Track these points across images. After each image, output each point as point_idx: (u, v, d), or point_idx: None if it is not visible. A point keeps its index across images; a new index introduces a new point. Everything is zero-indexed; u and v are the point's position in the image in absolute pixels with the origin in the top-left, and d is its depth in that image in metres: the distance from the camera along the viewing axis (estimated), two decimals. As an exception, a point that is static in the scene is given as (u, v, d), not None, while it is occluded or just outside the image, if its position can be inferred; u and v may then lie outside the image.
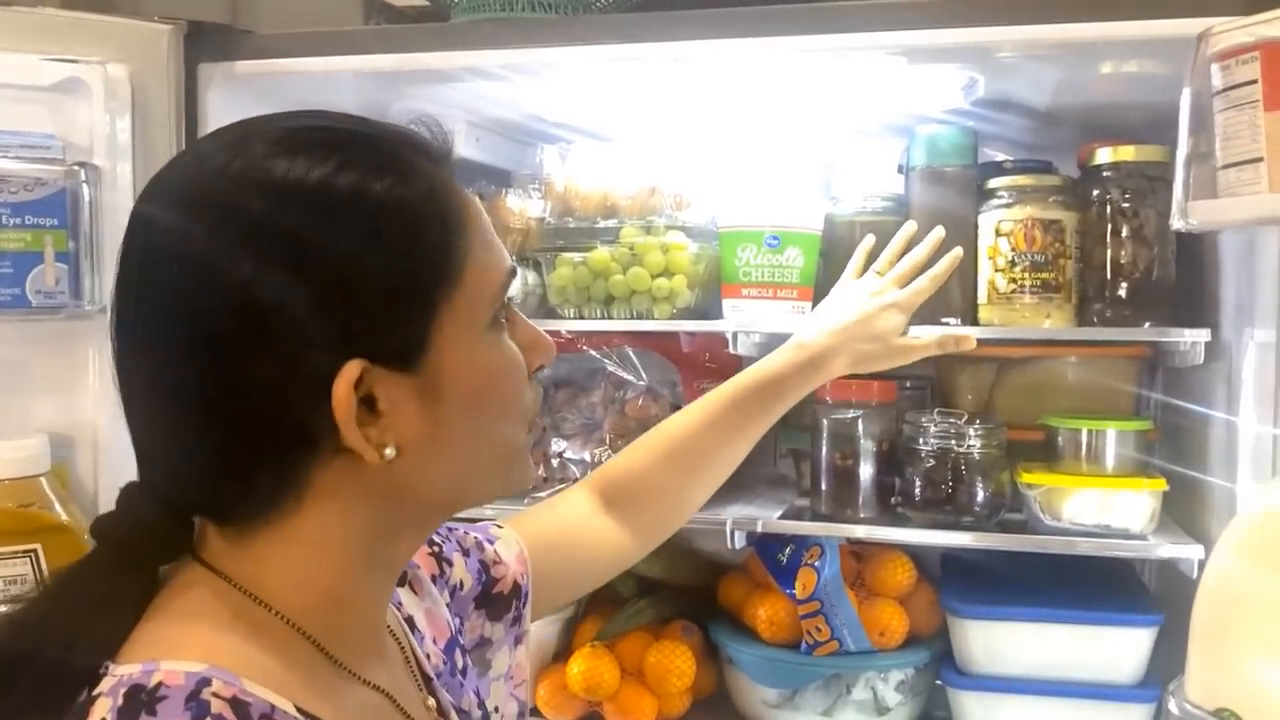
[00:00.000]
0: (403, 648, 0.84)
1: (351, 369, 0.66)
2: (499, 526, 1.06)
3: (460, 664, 0.91)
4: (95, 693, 0.62)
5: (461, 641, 0.93)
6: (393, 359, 0.68)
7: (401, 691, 0.78)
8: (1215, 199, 0.89)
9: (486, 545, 1.02)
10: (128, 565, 0.69)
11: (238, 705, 0.61)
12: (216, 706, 0.60)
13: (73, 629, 0.66)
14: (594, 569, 1.16)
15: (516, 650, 1.02)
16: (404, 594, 0.89)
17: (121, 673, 0.62)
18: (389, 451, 0.69)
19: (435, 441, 0.71)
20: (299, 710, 0.65)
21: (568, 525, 1.13)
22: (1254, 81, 0.85)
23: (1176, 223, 0.93)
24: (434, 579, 0.94)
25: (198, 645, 0.65)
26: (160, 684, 0.61)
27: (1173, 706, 0.86)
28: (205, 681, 0.61)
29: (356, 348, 0.66)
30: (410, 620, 0.87)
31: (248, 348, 0.66)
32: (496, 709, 0.97)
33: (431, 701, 0.82)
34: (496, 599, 1.00)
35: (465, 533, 1.01)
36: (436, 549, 0.96)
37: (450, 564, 0.97)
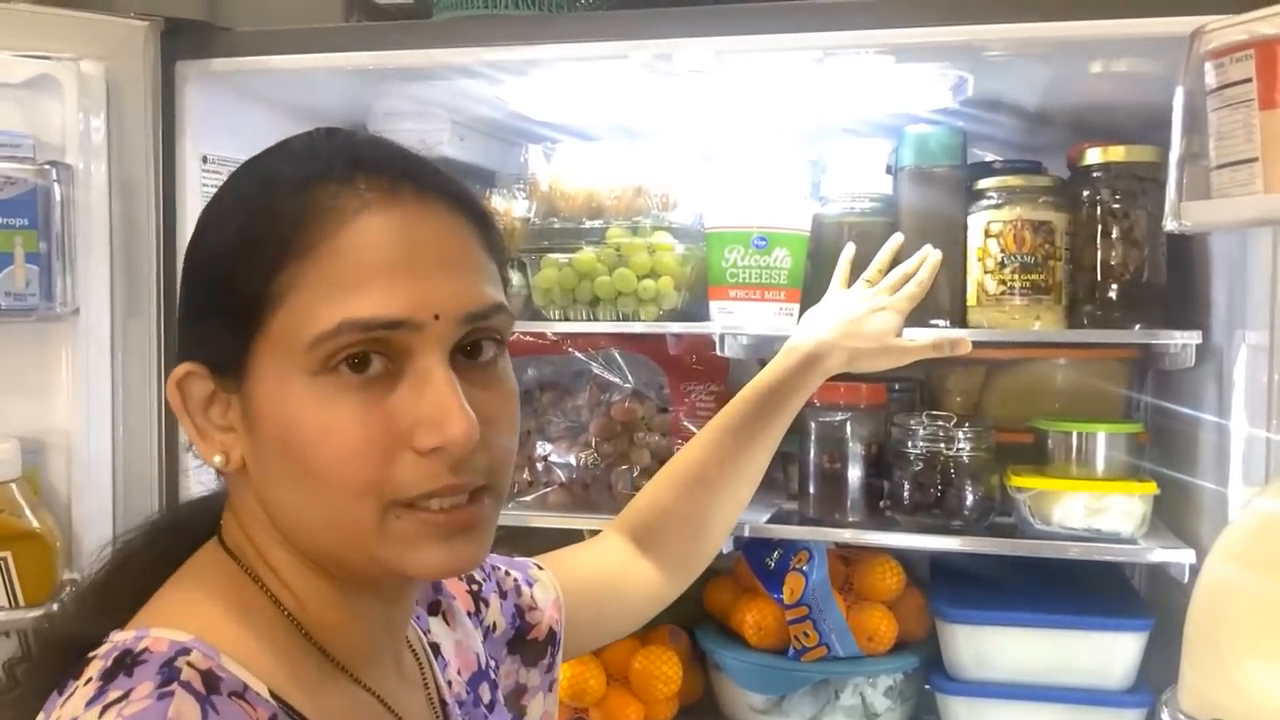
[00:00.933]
0: (422, 669, 0.84)
1: (181, 369, 0.71)
2: (539, 568, 1.06)
3: (488, 699, 0.91)
4: (92, 655, 0.65)
5: (493, 678, 0.93)
6: (219, 371, 0.71)
7: (404, 704, 0.78)
8: (1209, 200, 0.87)
9: (524, 588, 1.02)
10: (161, 548, 0.76)
11: (209, 678, 0.63)
12: (186, 674, 0.62)
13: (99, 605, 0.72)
14: (631, 614, 1.17)
15: (549, 696, 1.03)
16: (435, 622, 0.90)
17: (118, 638, 0.66)
18: (217, 459, 0.71)
19: (262, 470, 0.70)
20: (273, 695, 0.66)
21: (606, 571, 1.14)
22: (1248, 80, 0.83)
23: (1169, 224, 0.91)
24: (469, 614, 0.94)
25: (190, 618, 0.67)
26: (146, 649, 0.64)
27: (1166, 717, 0.84)
28: (185, 651, 0.64)
29: (194, 349, 0.72)
30: (436, 647, 0.88)
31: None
32: None
33: None
34: (531, 645, 1.01)
35: (506, 572, 1.01)
36: (476, 587, 0.97)
37: (487, 604, 0.97)
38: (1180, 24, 1.03)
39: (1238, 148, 0.84)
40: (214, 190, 0.75)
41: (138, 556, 0.76)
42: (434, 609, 0.91)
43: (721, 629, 1.61)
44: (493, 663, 0.95)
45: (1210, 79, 0.88)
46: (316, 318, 0.66)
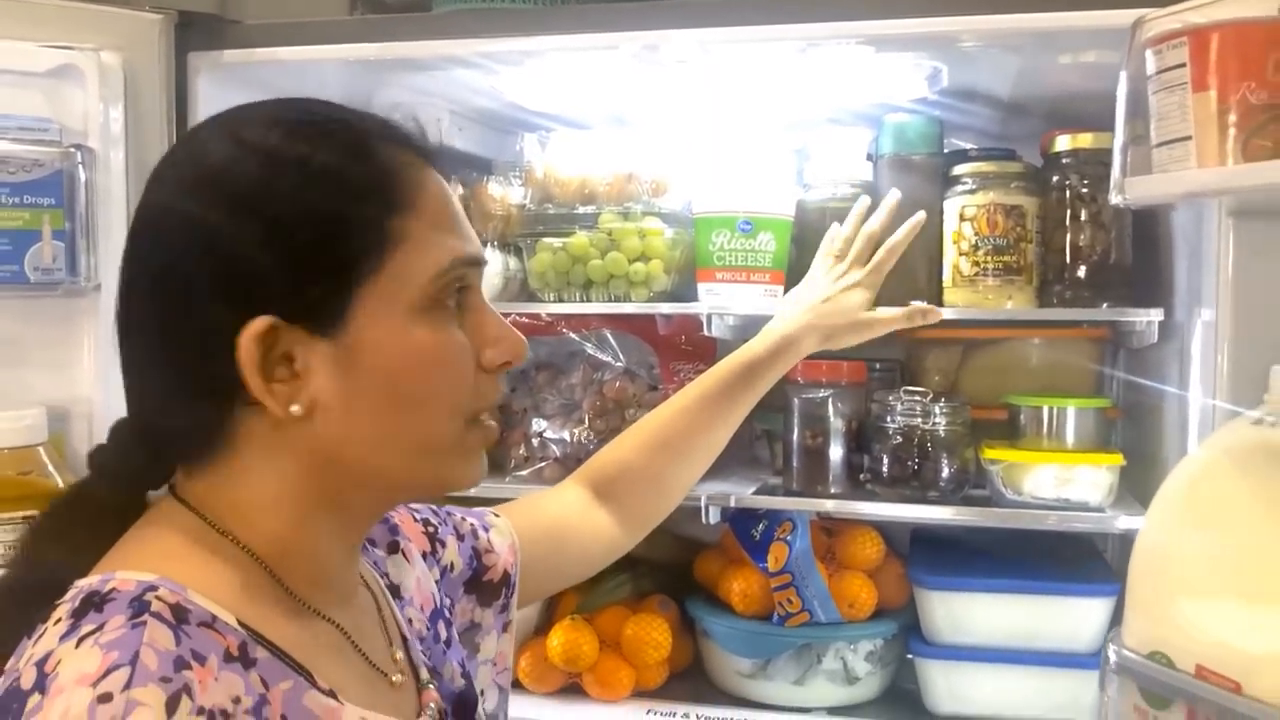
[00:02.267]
0: (378, 605, 0.88)
1: (259, 323, 0.71)
2: (495, 515, 1.11)
3: (445, 635, 0.95)
4: (59, 601, 0.68)
5: (448, 616, 0.98)
6: (309, 321, 0.72)
7: (363, 635, 0.83)
8: (1150, 175, 0.94)
9: (481, 533, 1.07)
10: (111, 492, 0.77)
11: (178, 610, 0.67)
12: (156, 607, 0.66)
13: (59, 553, 0.73)
14: (585, 559, 1.21)
15: (503, 637, 1.07)
16: (391, 561, 0.94)
17: (83, 584, 0.69)
18: (295, 409, 0.73)
19: (350, 412, 0.74)
20: (240, 623, 0.70)
21: (560, 518, 1.19)
22: (1183, 65, 0.90)
23: (1114, 198, 0.98)
24: (425, 555, 0.99)
25: (153, 560, 0.71)
26: (113, 589, 0.67)
27: (1111, 653, 0.91)
28: (152, 588, 0.67)
29: (271, 304, 0.71)
30: (395, 587, 0.93)
31: (179, 289, 0.73)
32: (482, 692, 1.01)
33: (400, 655, 0.87)
34: (486, 586, 1.05)
35: (462, 518, 1.07)
36: (432, 529, 1.02)
37: (444, 545, 1.02)
38: (1133, 16, 1.10)
39: (1174, 127, 0.91)
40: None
41: (95, 503, 0.78)
42: (392, 549, 0.95)
43: (709, 598, 1.67)
44: (448, 600, 0.99)
45: (1150, 65, 0.94)
46: (435, 257, 0.75)
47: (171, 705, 0.61)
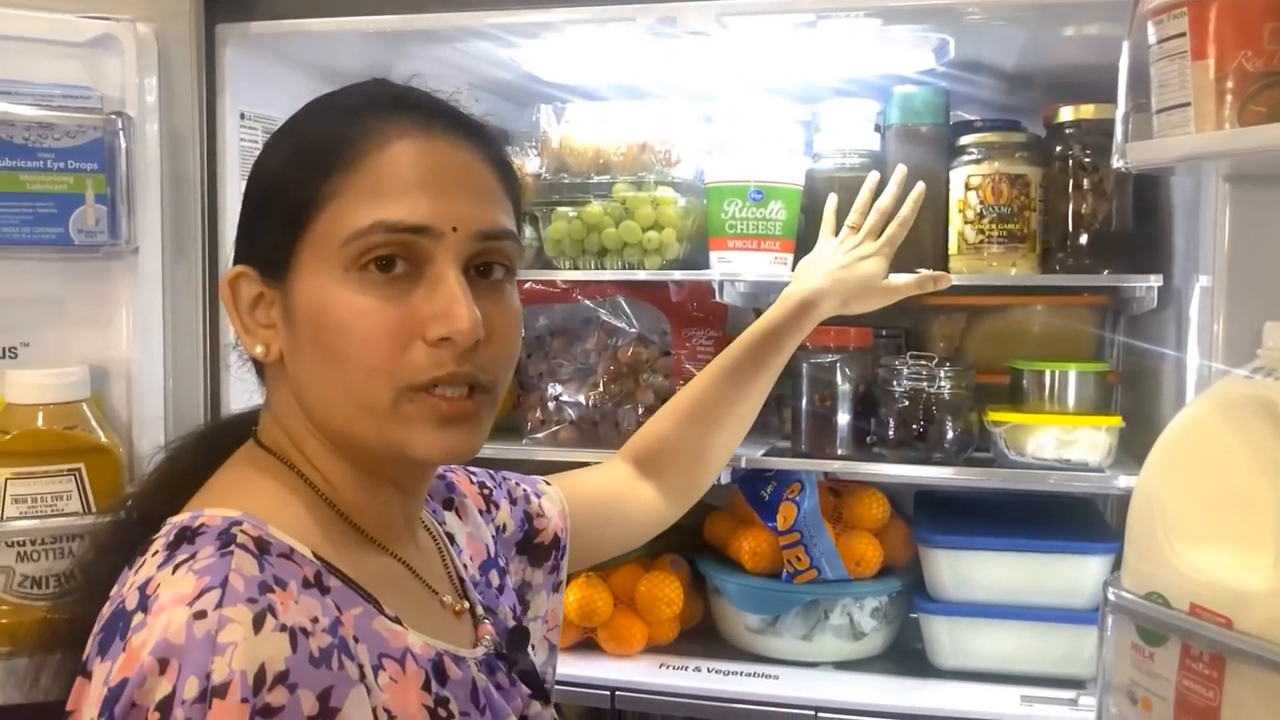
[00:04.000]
0: (440, 551, 0.96)
1: (232, 270, 0.83)
2: (547, 484, 1.18)
3: (497, 583, 1.02)
4: (154, 538, 0.76)
5: (501, 566, 1.04)
6: (266, 269, 0.82)
7: (426, 573, 0.90)
8: (1150, 140, 0.99)
9: (533, 498, 1.14)
10: (207, 449, 0.88)
11: (261, 543, 0.74)
12: (241, 539, 0.73)
13: (157, 496, 0.83)
14: (631, 529, 1.28)
15: (553, 597, 1.13)
16: (449, 516, 1.02)
17: (175, 520, 0.77)
18: (259, 350, 0.83)
19: (294, 359, 0.82)
20: (315, 556, 0.77)
21: (607, 490, 1.26)
22: (1182, 35, 0.94)
23: (1116, 162, 1.02)
24: (481, 512, 1.06)
25: (238, 499, 0.78)
26: (202, 525, 0.74)
27: (1110, 594, 0.96)
28: (237, 522, 0.74)
29: (247, 255, 0.84)
30: (451, 536, 1.00)
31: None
32: (533, 647, 1.06)
33: (459, 593, 0.93)
34: (537, 548, 1.12)
35: (516, 483, 1.14)
36: (487, 491, 1.09)
37: (497, 506, 1.09)
38: (1136, -12, 1.14)
39: (1174, 94, 0.95)
40: (252, 144, 0.89)
41: (187, 457, 0.88)
42: (448, 505, 1.03)
43: (720, 557, 1.72)
44: (502, 557, 1.06)
45: (1151, 35, 0.98)
46: (353, 218, 0.77)
47: (258, 622, 0.68)
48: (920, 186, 1.49)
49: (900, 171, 1.50)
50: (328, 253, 0.78)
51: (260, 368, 0.87)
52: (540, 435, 1.72)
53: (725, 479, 1.58)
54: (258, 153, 0.86)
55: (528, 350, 1.79)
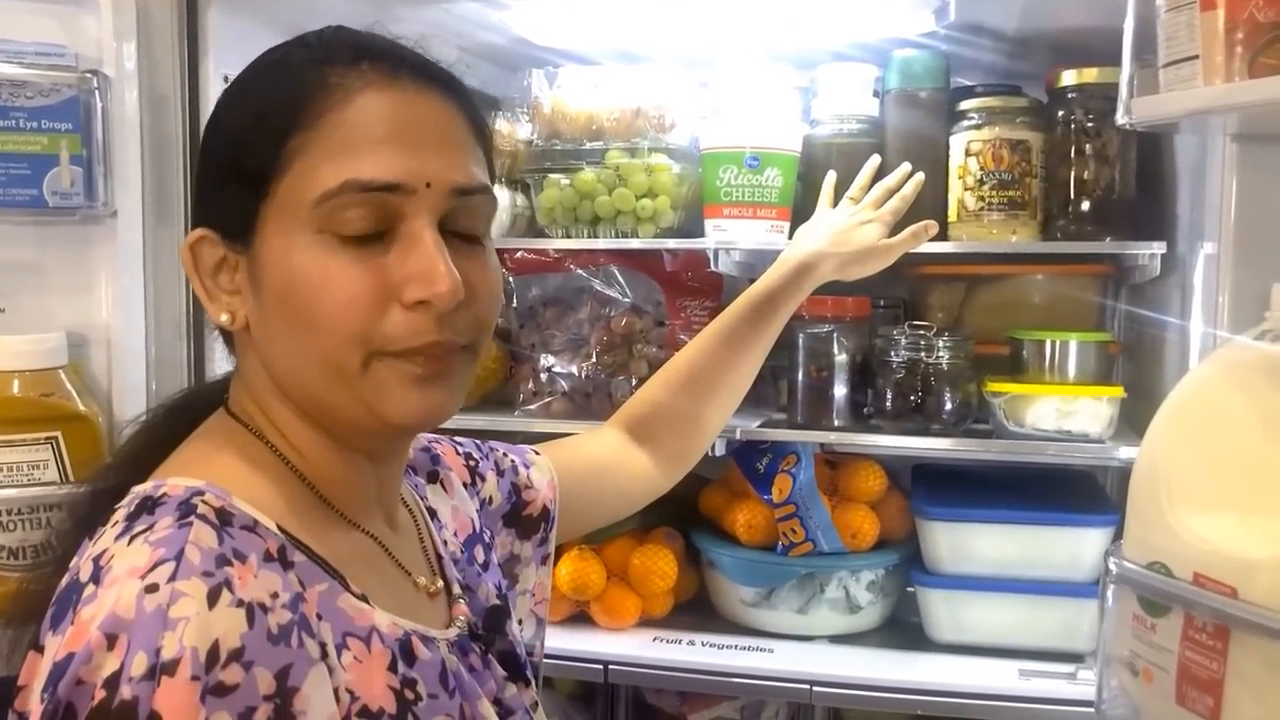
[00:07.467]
0: (418, 525, 0.92)
1: (194, 233, 0.79)
2: (536, 453, 1.15)
3: (482, 559, 0.99)
4: (116, 507, 0.73)
5: (487, 541, 1.01)
6: (229, 235, 0.78)
7: (402, 551, 0.87)
8: (1156, 95, 0.96)
9: (521, 469, 1.11)
10: (184, 417, 0.84)
11: (222, 514, 0.71)
12: (202, 509, 0.70)
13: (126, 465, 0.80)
14: (623, 497, 1.26)
15: (541, 570, 1.11)
16: (432, 490, 0.99)
17: (138, 490, 0.74)
18: (224, 318, 0.79)
19: (262, 325, 0.78)
20: (280, 529, 0.74)
21: (599, 457, 1.23)
22: (1191, -16, 0.91)
23: (1121, 119, 0.99)
24: (465, 486, 1.03)
25: (201, 468, 0.76)
26: (164, 494, 0.72)
27: (1111, 564, 0.93)
28: (199, 492, 0.72)
29: (209, 215, 0.79)
30: (434, 511, 0.97)
31: None
32: (520, 621, 1.05)
33: (435, 572, 0.90)
34: (525, 520, 1.10)
35: (504, 454, 1.11)
36: (473, 463, 1.06)
37: (483, 479, 1.06)
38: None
39: (1181, 47, 0.92)
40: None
41: (163, 426, 0.85)
42: (432, 478, 1.00)
43: (714, 530, 1.70)
44: (488, 531, 1.03)
45: (1159, -15, 0.96)
46: (321, 178, 0.73)
47: (213, 597, 0.65)
48: (920, 175, 1.50)
49: (906, 167, 1.51)
50: (296, 215, 0.74)
51: (229, 335, 0.83)
52: (532, 407, 1.69)
53: (720, 451, 1.56)
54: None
55: (520, 321, 1.76)
